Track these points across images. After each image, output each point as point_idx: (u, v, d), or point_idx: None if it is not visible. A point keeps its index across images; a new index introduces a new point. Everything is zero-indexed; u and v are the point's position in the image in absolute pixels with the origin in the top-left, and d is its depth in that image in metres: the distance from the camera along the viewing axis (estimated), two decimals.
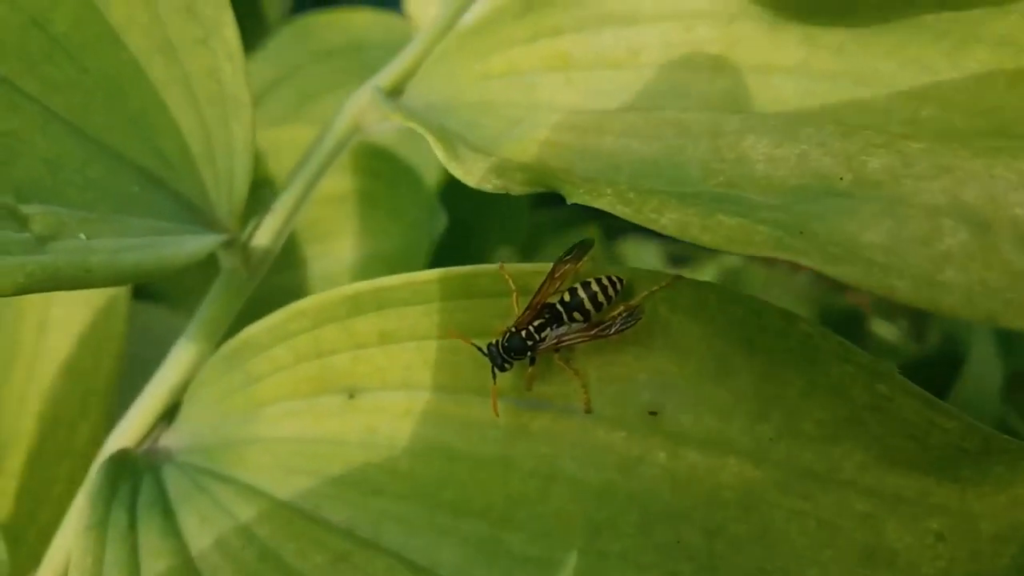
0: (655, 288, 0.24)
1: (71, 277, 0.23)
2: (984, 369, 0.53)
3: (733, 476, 0.22)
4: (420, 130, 0.25)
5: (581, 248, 0.26)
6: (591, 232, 0.70)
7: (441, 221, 0.49)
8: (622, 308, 0.24)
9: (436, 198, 0.52)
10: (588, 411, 0.24)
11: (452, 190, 0.58)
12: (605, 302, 0.25)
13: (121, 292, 0.41)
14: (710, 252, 0.78)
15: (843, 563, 0.20)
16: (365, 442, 0.26)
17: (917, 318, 0.74)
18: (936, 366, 0.63)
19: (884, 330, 0.73)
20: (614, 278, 0.25)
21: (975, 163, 0.18)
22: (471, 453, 0.25)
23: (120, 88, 0.27)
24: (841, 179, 0.19)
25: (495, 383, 0.25)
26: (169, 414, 0.31)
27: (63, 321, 0.40)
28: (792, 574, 0.20)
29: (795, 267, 0.82)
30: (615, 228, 0.77)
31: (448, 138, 0.24)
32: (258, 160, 0.54)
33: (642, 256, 0.72)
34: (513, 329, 0.25)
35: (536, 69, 0.30)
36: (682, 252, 0.77)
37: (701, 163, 0.22)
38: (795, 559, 0.20)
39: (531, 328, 0.25)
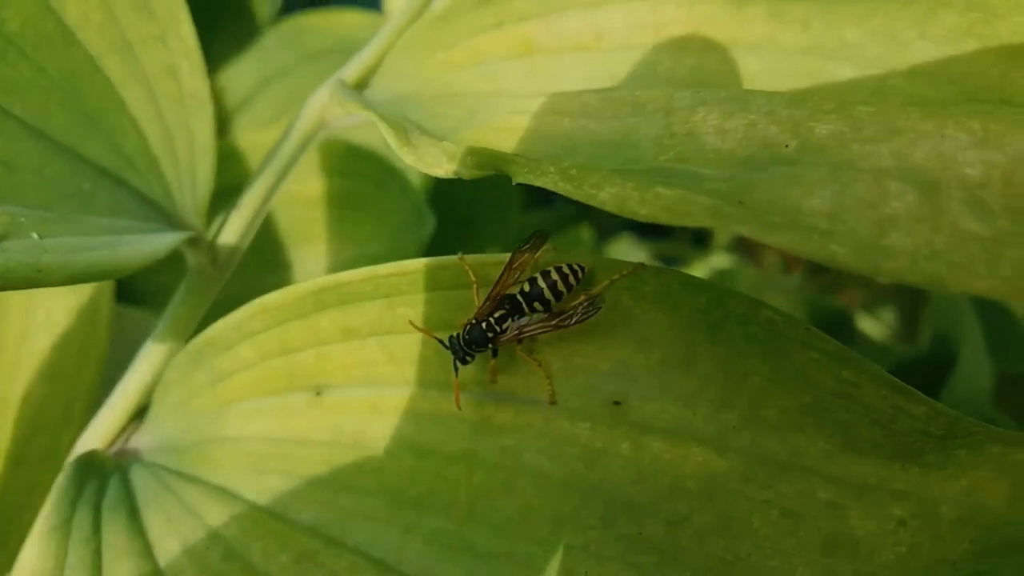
0: (617, 276, 0.24)
1: (22, 277, 0.23)
2: (975, 370, 0.52)
3: (696, 466, 0.22)
4: (375, 120, 0.25)
5: (538, 238, 0.25)
6: (584, 232, 0.69)
7: (429, 223, 0.48)
8: (583, 297, 0.24)
9: (424, 200, 0.52)
10: (553, 403, 0.24)
11: (442, 192, 0.57)
12: (566, 291, 0.24)
13: (104, 297, 0.41)
14: (700, 251, 0.78)
15: (806, 551, 0.19)
16: (332, 440, 0.26)
17: (908, 318, 0.73)
18: (926, 367, 0.62)
19: (875, 330, 0.73)
20: (575, 266, 0.24)
21: (926, 124, 0.18)
22: (437, 448, 0.25)
23: (77, 87, 0.26)
24: (787, 146, 0.18)
25: (457, 376, 0.24)
26: (140, 414, 0.30)
27: (45, 326, 0.40)
28: (755, 564, 0.20)
29: (787, 268, 0.82)
30: (607, 228, 0.77)
31: (401, 127, 0.24)
32: (244, 161, 0.54)
33: (632, 256, 0.72)
34: (473, 321, 0.24)
35: (501, 57, 0.29)
36: (673, 253, 0.76)
37: (654, 140, 0.21)
38: (758, 548, 0.20)
39: (491, 320, 0.24)
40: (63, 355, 0.39)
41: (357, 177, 0.53)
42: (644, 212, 0.18)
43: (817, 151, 0.18)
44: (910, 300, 0.75)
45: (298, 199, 0.54)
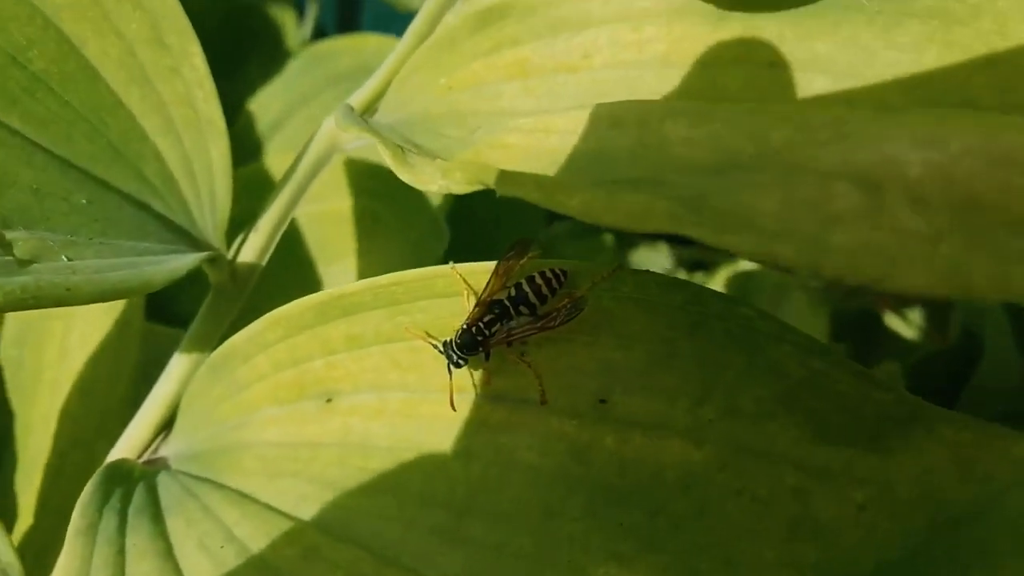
0: (598, 279, 0.25)
1: (52, 296, 0.24)
2: (1001, 365, 0.52)
3: (675, 457, 0.23)
4: (375, 141, 0.27)
5: (523, 245, 0.27)
6: (606, 238, 0.71)
7: (445, 236, 0.50)
8: (566, 300, 0.25)
9: (441, 216, 0.54)
10: (543, 402, 0.25)
11: (465, 205, 0.59)
12: (549, 295, 0.26)
13: (135, 317, 0.43)
14: (724, 257, 0.78)
15: (772, 535, 0.20)
16: (340, 443, 0.28)
17: (938, 317, 0.73)
18: (954, 362, 0.62)
19: (904, 330, 0.73)
20: (557, 271, 0.26)
21: (873, 128, 0.19)
22: (436, 448, 0.26)
23: (101, 118, 0.29)
24: (745, 154, 0.20)
25: (451, 379, 0.26)
26: (168, 425, 0.32)
27: (81, 346, 0.42)
28: (725, 548, 0.21)
29: (811, 273, 0.82)
30: (629, 238, 0.78)
31: (398, 147, 0.26)
32: (273, 184, 0.56)
33: (654, 263, 0.73)
34: (465, 326, 0.26)
35: (498, 79, 0.31)
36: (697, 257, 0.77)
37: (628, 151, 0.23)
38: (729, 533, 0.21)
39: (481, 324, 0.26)
40: (97, 373, 0.41)
41: (381, 196, 0.56)
42: (608, 219, 0.19)
43: (772, 156, 0.19)
44: (939, 301, 0.75)
45: (326, 219, 0.57)
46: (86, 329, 0.42)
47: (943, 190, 0.17)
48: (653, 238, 0.87)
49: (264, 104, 0.72)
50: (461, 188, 0.24)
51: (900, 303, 0.79)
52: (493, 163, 0.26)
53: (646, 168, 0.22)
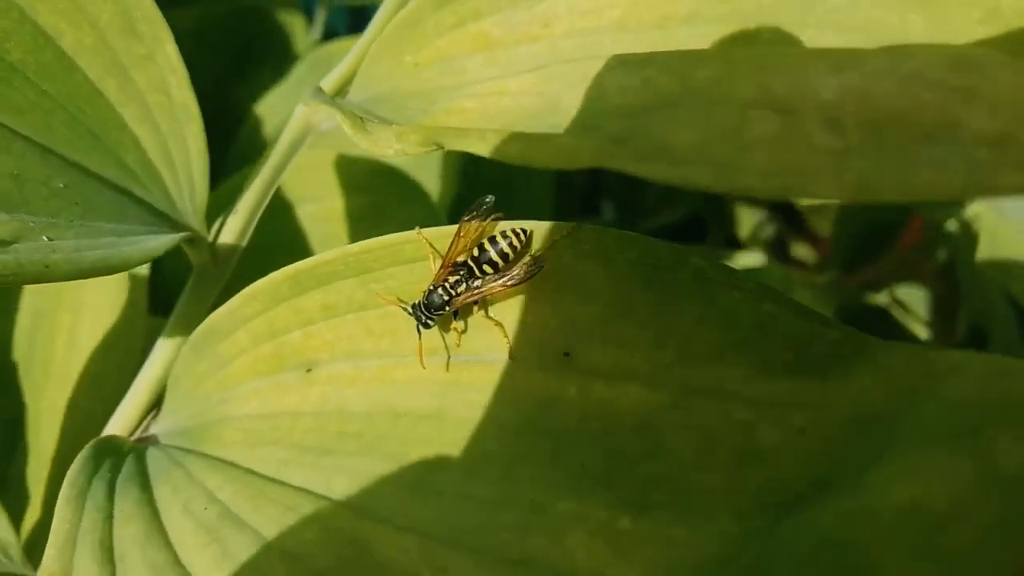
0: (559, 237, 0.26)
1: (32, 273, 0.25)
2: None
3: (632, 401, 0.23)
4: (337, 116, 0.27)
5: (483, 206, 0.27)
6: None
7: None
8: (528, 258, 0.26)
9: (442, 212, 0.55)
10: (512, 358, 0.26)
11: (469, 202, 0.60)
12: (511, 253, 0.26)
13: (139, 310, 0.44)
14: (733, 250, 0.79)
15: (720, 465, 0.21)
16: (319, 411, 0.28)
17: (946, 314, 0.73)
18: None
19: (910, 325, 0.73)
20: (518, 230, 0.26)
21: (793, 59, 0.19)
22: (411, 410, 0.27)
23: (79, 106, 0.30)
24: (673, 93, 0.20)
25: (420, 339, 0.26)
26: (157, 406, 0.33)
27: (89, 338, 0.43)
28: (676, 480, 0.21)
29: (819, 268, 0.82)
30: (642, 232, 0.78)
31: (357, 118, 0.26)
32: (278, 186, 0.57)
33: None
34: (431, 288, 0.27)
35: (462, 53, 0.32)
36: (701, 254, 0.77)
37: (573, 106, 0.24)
38: (680, 466, 0.22)
39: (447, 285, 0.26)
40: (103, 365, 0.43)
41: (379, 192, 0.57)
42: (542, 160, 0.20)
43: (696, 93, 0.20)
44: (948, 296, 0.75)
45: (327, 217, 0.58)
46: (93, 323, 0.43)
47: (857, 110, 0.18)
48: (660, 235, 0.87)
49: (271, 107, 0.73)
50: (415, 149, 0.24)
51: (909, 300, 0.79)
52: (450, 125, 0.27)
53: (586, 118, 0.23)
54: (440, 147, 0.24)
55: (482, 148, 0.21)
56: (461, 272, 0.27)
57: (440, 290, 0.26)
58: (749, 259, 0.77)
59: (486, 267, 0.27)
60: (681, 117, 0.19)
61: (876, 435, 0.18)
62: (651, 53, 0.23)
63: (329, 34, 0.85)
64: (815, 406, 0.20)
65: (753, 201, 0.81)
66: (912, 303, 0.77)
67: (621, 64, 0.23)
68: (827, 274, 0.78)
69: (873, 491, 0.16)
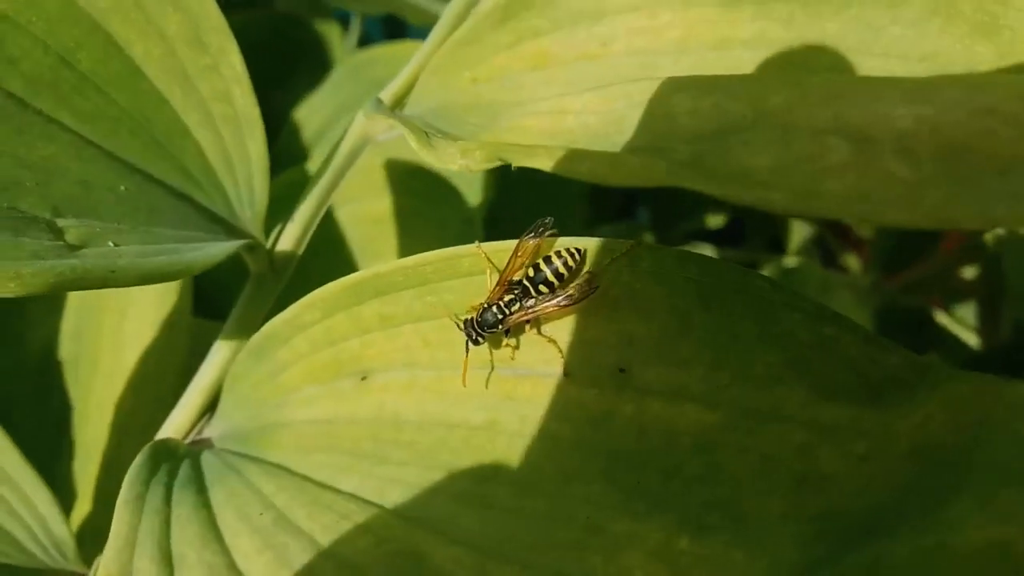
0: (617, 255, 0.26)
1: (99, 278, 0.26)
2: None
3: (690, 422, 0.24)
4: (402, 129, 0.28)
5: (542, 226, 0.28)
6: (647, 239, 0.71)
7: (479, 231, 0.52)
8: (584, 279, 0.26)
9: (478, 216, 0.55)
10: (566, 374, 0.26)
11: (505, 209, 0.61)
12: (567, 273, 0.27)
13: (184, 311, 0.45)
14: (769, 255, 0.78)
15: (779, 490, 0.21)
16: (374, 418, 0.29)
17: (989, 316, 0.73)
18: (1005, 359, 0.62)
19: (954, 327, 0.72)
20: (573, 250, 0.26)
21: (866, 89, 0.20)
22: (464, 421, 0.27)
23: (145, 115, 0.30)
24: (745, 118, 0.21)
25: (467, 356, 0.27)
26: (213, 408, 0.34)
27: (135, 338, 0.44)
28: (734, 504, 0.21)
29: (862, 271, 0.82)
30: (672, 240, 0.79)
31: (422, 132, 0.27)
32: None
33: None
34: (485, 305, 0.27)
35: (520, 70, 0.32)
36: (741, 258, 0.77)
37: (641, 125, 0.24)
38: (738, 490, 0.22)
39: (502, 303, 0.27)
40: (149, 365, 0.43)
41: (418, 195, 0.58)
42: (614, 179, 0.20)
43: (769, 118, 0.20)
44: (992, 297, 0.74)
45: (368, 219, 0.59)
46: (139, 324, 0.44)
47: (930, 140, 0.18)
48: (696, 238, 0.88)
49: (309, 113, 0.74)
50: (480, 165, 0.25)
51: (950, 299, 0.78)
52: (503, 140, 0.27)
53: (654, 139, 0.23)
54: (506, 163, 0.24)
55: (550, 165, 0.22)
56: (516, 291, 0.27)
57: (494, 308, 0.27)
58: (789, 262, 0.77)
59: (541, 287, 0.27)
60: (756, 141, 0.19)
61: (945, 468, 0.18)
62: (716, 76, 0.24)
63: (364, 41, 0.86)
64: (877, 434, 0.20)
65: None
66: (955, 305, 0.77)
67: (687, 87, 0.23)
68: (868, 276, 0.78)
69: (949, 529, 0.16)
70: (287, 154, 0.71)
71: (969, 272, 0.76)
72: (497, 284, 0.27)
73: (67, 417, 0.44)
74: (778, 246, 0.85)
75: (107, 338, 0.45)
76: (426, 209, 0.55)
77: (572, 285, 0.26)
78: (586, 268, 0.27)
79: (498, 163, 0.25)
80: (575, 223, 0.70)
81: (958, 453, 0.18)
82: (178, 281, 0.46)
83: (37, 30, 0.29)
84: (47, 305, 0.47)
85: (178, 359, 0.43)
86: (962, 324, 0.72)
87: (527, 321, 0.27)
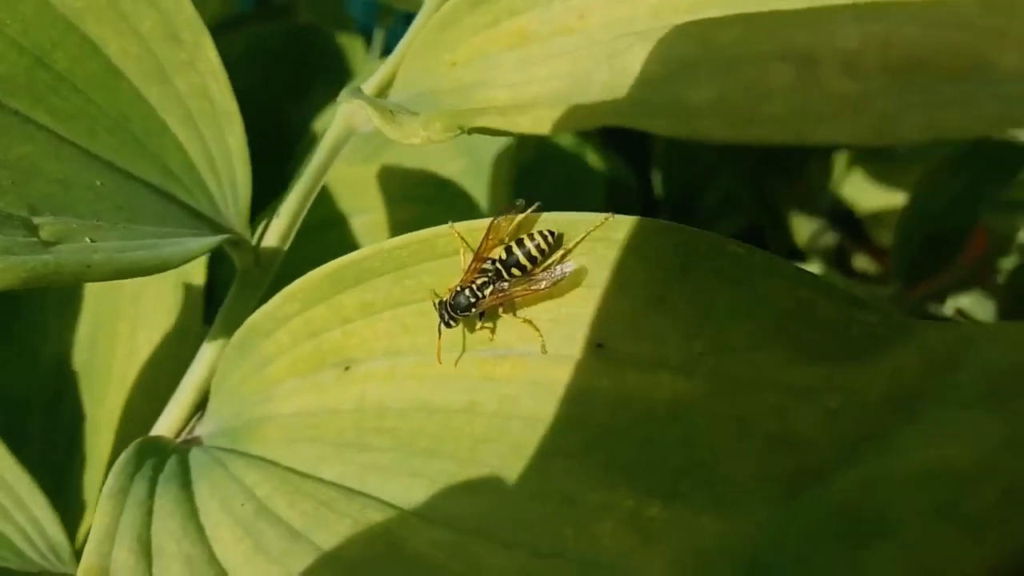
0: (592, 229, 0.25)
1: (73, 272, 0.26)
2: None
3: (666, 391, 0.23)
4: (369, 111, 0.27)
5: (515, 207, 0.27)
6: None
7: None
8: (557, 259, 0.25)
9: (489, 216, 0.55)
10: (544, 352, 0.25)
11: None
12: (540, 256, 0.26)
13: (195, 319, 0.45)
14: (792, 261, 0.77)
15: (753, 452, 0.20)
16: (357, 408, 0.28)
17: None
18: None
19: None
20: (546, 232, 0.26)
21: (815, 12, 0.19)
22: (444, 405, 0.27)
23: (123, 113, 0.30)
24: (695, 56, 0.20)
25: (440, 337, 0.26)
26: (202, 407, 0.33)
27: (146, 346, 0.44)
28: (709, 467, 0.21)
29: (881, 280, 0.80)
30: None
31: (387, 110, 0.27)
32: (332, 196, 0.58)
33: None
34: (458, 288, 0.26)
35: (499, 50, 0.31)
36: None
37: (603, 83, 0.23)
38: (712, 455, 0.21)
39: (474, 287, 0.26)
40: (159, 374, 0.43)
41: (430, 202, 0.57)
42: (561, 126, 0.20)
43: (716, 53, 0.20)
44: (1015, 308, 0.72)
45: (379, 228, 0.58)
46: (151, 332, 0.44)
47: (880, 56, 0.17)
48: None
49: (327, 123, 0.74)
50: (440, 135, 0.24)
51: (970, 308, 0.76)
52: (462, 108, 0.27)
53: (613, 91, 0.22)
54: (463, 130, 0.24)
55: (500, 122, 0.21)
56: (489, 273, 0.27)
57: (467, 291, 0.26)
58: (808, 268, 0.75)
59: (514, 270, 0.27)
60: (700, 77, 0.19)
61: (907, 407, 0.17)
62: (681, 23, 0.23)
63: (388, 52, 0.87)
64: (849, 388, 0.19)
65: (811, 210, 0.79)
66: (979, 316, 0.75)
67: (645, 38, 0.23)
68: (889, 286, 0.76)
69: (896, 456, 0.15)
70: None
71: (990, 280, 0.74)
72: (471, 264, 0.27)
73: (79, 426, 0.45)
74: (797, 254, 0.83)
75: (120, 347, 0.45)
76: (438, 215, 0.55)
77: (544, 267, 0.26)
78: (561, 251, 0.26)
79: (458, 132, 0.24)
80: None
81: (927, 390, 0.17)
82: (188, 289, 0.46)
83: (12, 31, 0.29)
84: (63, 315, 0.48)
85: (187, 367, 0.43)
86: None
87: (500, 305, 0.26)
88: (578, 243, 0.26)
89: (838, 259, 0.84)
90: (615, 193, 0.75)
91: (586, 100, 0.23)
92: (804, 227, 0.82)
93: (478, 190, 0.59)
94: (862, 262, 0.83)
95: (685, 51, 0.20)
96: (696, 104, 0.17)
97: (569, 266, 0.25)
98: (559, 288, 0.26)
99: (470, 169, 0.60)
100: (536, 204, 0.28)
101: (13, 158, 0.28)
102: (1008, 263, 0.71)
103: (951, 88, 0.15)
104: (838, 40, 0.17)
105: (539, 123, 0.19)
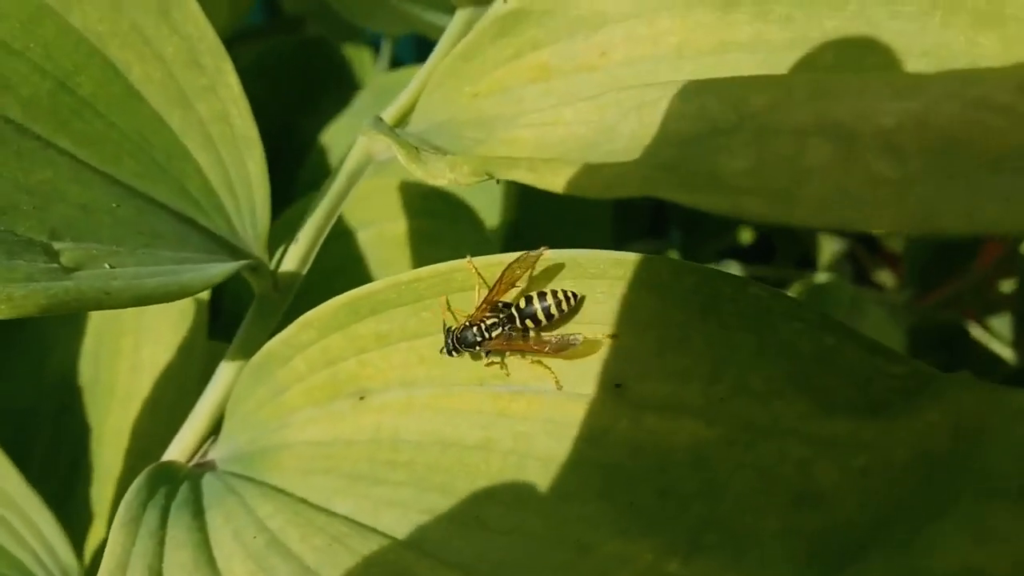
0: (608, 266, 0.25)
1: (93, 299, 0.26)
2: None
3: (687, 437, 0.23)
4: (393, 145, 0.27)
5: (531, 254, 0.27)
6: (673, 256, 0.71)
7: (496, 250, 0.51)
8: (559, 336, 0.26)
9: (498, 237, 0.55)
10: (559, 388, 0.25)
11: (533, 221, 0.61)
12: (557, 315, 0.26)
13: (199, 335, 0.45)
14: (798, 274, 0.77)
15: (776, 506, 0.20)
16: (372, 439, 0.28)
17: None
18: None
19: (990, 343, 0.70)
20: (570, 294, 0.26)
21: (852, 80, 0.19)
22: (459, 440, 0.27)
23: (144, 137, 0.30)
24: (728, 120, 0.20)
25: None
26: (217, 430, 0.33)
27: (151, 362, 0.44)
28: (730, 521, 0.21)
29: (896, 288, 0.80)
30: (701, 258, 0.78)
31: (412, 147, 0.26)
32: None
33: None
34: (468, 323, 0.26)
35: (521, 83, 0.31)
36: (769, 275, 0.76)
37: (630, 134, 0.23)
38: (734, 507, 0.21)
39: (483, 325, 0.26)
40: (164, 389, 0.43)
41: (435, 216, 0.58)
42: (590, 189, 0.20)
43: (750, 120, 0.19)
44: None
45: (386, 242, 0.59)
46: (155, 346, 0.44)
47: (917, 136, 0.17)
48: (726, 256, 0.86)
49: (335, 135, 0.74)
50: (467, 179, 0.24)
51: (986, 312, 0.76)
52: (503, 155, 0.27)
53: (643, 145, 0.22)
54: (491, 177, 0.23)
55: (531, 178, 0.21)
56: (501, 316, 0.27)
57: (475, 329, 0.27)
58: (819, 279, 0.75)
59: (528, 321, 0.27)
60: (734, 144, 0.19)
61: (943, 478, 0.17)
62: (707, 80, 0.23)
63: (395, 65, 0.87)
64: (877, 445, 0.19)
65: None
66: (993, 322, 0.75)
67: (679, 91, 0.23)
68: (903, 293, 0.76)
69: (926, 551, 0.15)
70: (314, 176, 0.72)
71: (1006, 286, 0.74)
72: (482, 303, 0.27)
73: (85, 440, 0.45)
74: (808, 262, 0.83)
75: (124, 361, 0.45)
76: (443, 230, 0.55)
77: (553, 334, 0.26)
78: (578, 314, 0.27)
79: (486, 177, 0.24)
80: (602, 241, 0.70)
81: (958, 462, 0.17)
82: (194, 304, 0.46)
83: (35, 55, 0.29)
84: (67, 329, 0.48)
85: (193, 381, 0.43)
86: (999, 339, 0.70)
87: (501, 352, 0.27)
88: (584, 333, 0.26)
89: (853, 267, 0.84)
90: (624, 201, 0.75)
91: (613, 149, 0.23)
92: (814, 233, 0.81)
93: (483, 203, 0.60)
94: (877, 270, 0.83)
95: (718, 112, 0.20)
96: (732, 175, 0.17)
97: (578, 338, 0.25)
98: (577, 323, 0.26)
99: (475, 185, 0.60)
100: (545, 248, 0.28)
101: (35, 183, 0.28)
102: (1020, 268, 0.71)
103: (992, 179, 0.15)
104: (876, 117, 0.17)
105: (575, 185, 0.19)
